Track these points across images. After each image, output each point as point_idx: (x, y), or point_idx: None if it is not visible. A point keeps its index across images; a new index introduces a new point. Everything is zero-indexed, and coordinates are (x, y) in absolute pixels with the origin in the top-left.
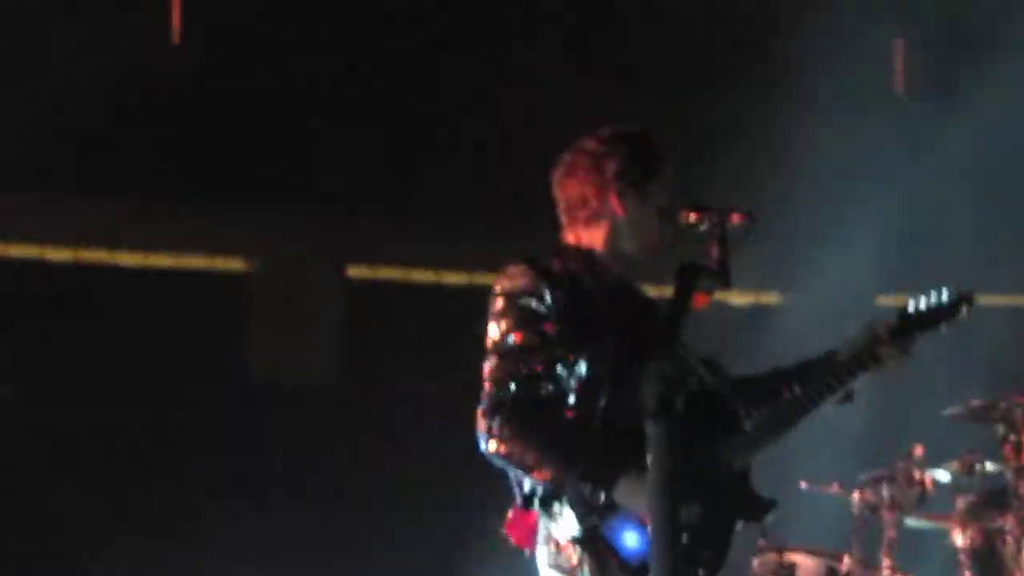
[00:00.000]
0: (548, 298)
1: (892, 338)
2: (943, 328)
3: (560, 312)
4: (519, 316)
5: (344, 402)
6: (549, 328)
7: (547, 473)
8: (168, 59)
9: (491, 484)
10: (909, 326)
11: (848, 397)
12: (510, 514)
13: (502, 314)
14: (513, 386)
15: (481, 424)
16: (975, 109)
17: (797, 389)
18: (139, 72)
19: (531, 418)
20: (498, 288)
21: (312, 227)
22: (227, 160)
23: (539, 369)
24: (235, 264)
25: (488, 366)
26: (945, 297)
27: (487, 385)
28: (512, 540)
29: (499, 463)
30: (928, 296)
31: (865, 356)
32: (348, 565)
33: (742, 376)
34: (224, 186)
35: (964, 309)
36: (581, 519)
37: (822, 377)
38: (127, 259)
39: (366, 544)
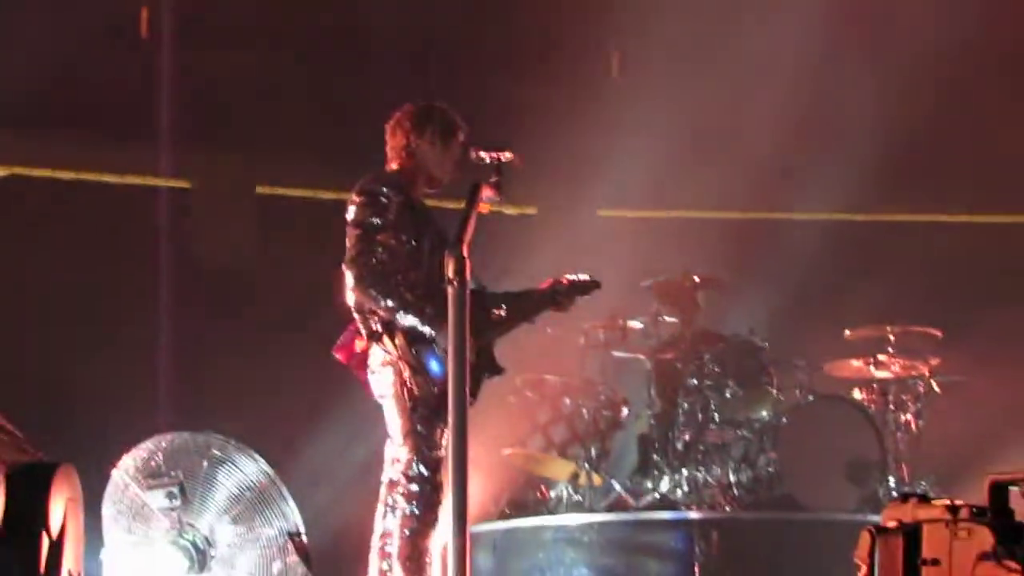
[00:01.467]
0: (392, 196)
1: (565, 292)
2: (587, 296)
3: (398, 206)
4: (374, 205)
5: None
6: (391, 215)
7: (392, 310)
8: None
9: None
10: (571, 290)
11: (532, 322)
12: (341, 340)
13: (364, 203)
14: (373, 249)
15: (352, 274)
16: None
17: (503, 310)
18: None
19: (381, 272)
20: (359, 187)
21: (233, 157)
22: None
23: (390, 242)
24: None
25: (354, 235)
26: (588, 279)
27: (354, 249)
28: (340, 358)
29: (364, 299)
30: (580, 276)
31: (549, 299)
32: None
33: (491, 293)
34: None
35: (596, 290)
36: (410, 346)
37: (524, 306)
38: (107, 178)
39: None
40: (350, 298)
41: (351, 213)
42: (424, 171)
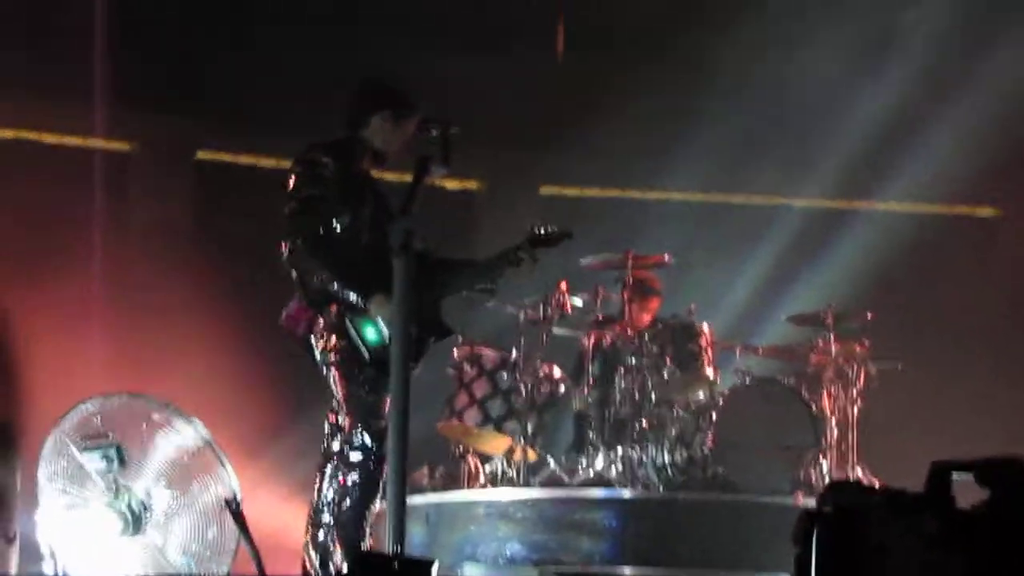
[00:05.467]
0: (331, 166)
1: (530, 246)
2: (555, 248)
3: (337, 177)
4: (310, 176)
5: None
6: (329, 186)
7: (326, 280)
8: None
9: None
10: (536, 243)
11: (492, 293)
12: (288, 311)
13: (301, 173)
14: (306, 221)
15: (288, 245)
16: None
17: (467, 270)
18: None
19: (317, 243)
20: (297, 156)
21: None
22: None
23: (327, 213)
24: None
25: (289, 207)
26: (556, 230)
27: (291, 220)
28: (286, 329)
29: (295, 269)
30: (547, 226)
31: (511, 256)
32: None
33: (440, 257)
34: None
35: (565, 240)
36: (344, 314)
37: (486, 265)
38: (45, 138)
39: None
40: (289, 268)
41: (289, 183)
42: (370, 145)
